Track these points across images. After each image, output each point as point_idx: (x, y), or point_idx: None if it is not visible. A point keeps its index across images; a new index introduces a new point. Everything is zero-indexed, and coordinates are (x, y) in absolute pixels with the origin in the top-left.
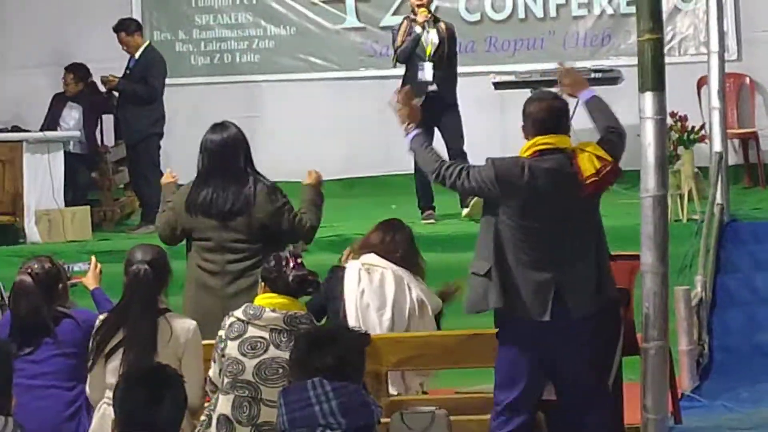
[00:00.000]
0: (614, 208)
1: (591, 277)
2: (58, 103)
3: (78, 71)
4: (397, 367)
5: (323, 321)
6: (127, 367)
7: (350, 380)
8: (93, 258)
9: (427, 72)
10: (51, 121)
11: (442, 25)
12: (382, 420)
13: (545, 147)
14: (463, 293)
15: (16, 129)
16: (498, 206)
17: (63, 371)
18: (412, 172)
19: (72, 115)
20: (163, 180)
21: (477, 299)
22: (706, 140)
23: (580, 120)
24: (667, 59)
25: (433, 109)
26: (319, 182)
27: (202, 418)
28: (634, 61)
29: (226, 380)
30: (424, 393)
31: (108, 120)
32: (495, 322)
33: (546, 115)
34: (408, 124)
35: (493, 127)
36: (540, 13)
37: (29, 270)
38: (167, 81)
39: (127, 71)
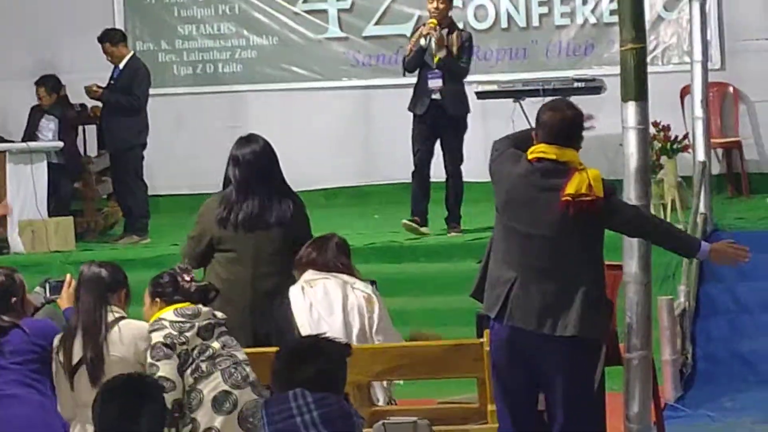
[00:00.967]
0: None
1: (558, 300)
2: (35, 114)
3: (48, 83)
4: (379, 378)
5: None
6: (88, 360)
7: (332, 391)
8: (68, 276)
9: (433, 80)
10: (29, 133)
11: (454, 35)
12: (365, 430)
13: (541, 156)
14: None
15: None
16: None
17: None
18: (394, 181)
19: (49, 127)
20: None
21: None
22: (689, 150)
23: (606, 125)
24: (650, 68)
25: (437, 120)
26: None
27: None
28: (617, 70)
29: (204, 365)
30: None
31: (91, 130)
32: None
33: (555, 125)
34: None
35: (475, 136)
36: (523, 23)
37: None
38: (150, 91)
39: (112, 81)
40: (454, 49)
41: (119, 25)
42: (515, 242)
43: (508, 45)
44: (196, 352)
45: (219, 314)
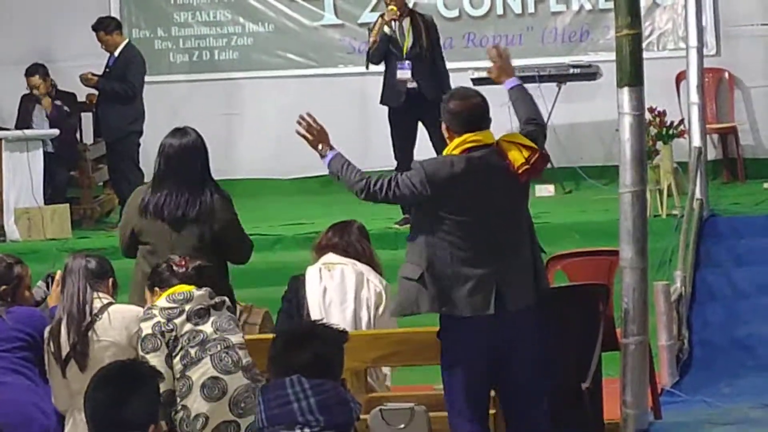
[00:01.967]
0: (593, 204)
1: (528, 269)
2: (27, 103)
3: (39, 70)
4: (376, 364)
5: None
6: (73, 347)
7: (328, 377)
8: (58, 274)
9: (404, 70)
10: (22, 122)
11: (418, 19)
12: (362, 416)
13: (474, 144)
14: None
15: None
16: (429, 209)
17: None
18: (392, 168)
19: (43, 115)
20: None
21: (407, 303)
22: (685, 135)
23: (602, 111)
24: (645, 54)
25: (416, 107)
26: None
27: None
28: (613, 56)
29: (193, 351)
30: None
31: (87, 118)
32: (440, 326)
33: (473, 113)
34: (321, 148)
35: None
36: (518, 9)
37: None
38: (146, 78)
39: (107, 69)
40: (424, 38)
41: (114, 13)
42: (478, 235)
43: (504, 31)
44: (185, 338)
45: (220, 298)
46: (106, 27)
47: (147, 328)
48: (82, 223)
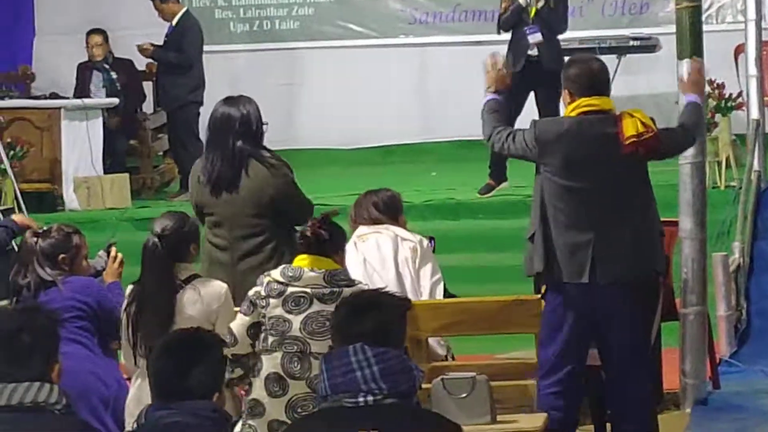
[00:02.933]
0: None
1: (631, 244)
2: (84, 72)
3: (102, 32)
4: (438, 333)
5: None
6: (141, 342)
7: (391, 345)
8: (113, 250)
9: (533, 35)
10: (80, 91)
11: None
12: (423, 386)
13: (590, 108)
14: None
15: (54, 96)
16: (540, 169)
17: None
18: (451, 139)
19: (100, 84)
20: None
21: (526, 262)
22: (743, 107)
23: (662, 83)
24: (704, 27)
25: (531, 76)
26: None
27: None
28: (673, 29)
29: (271, 339)
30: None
31: (147, 87)
32: (536, 284)
33: (590, 77)
34: (489, 87)
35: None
36: None
37: (41, 231)
38: (206, 48)
39: (166, 39)
40: (552, 2)
41: None
42: (582, 200)
43: None
44: (271, 322)
45: (338, 288)
46: None
47: (252, 291)
48: (141, 192)
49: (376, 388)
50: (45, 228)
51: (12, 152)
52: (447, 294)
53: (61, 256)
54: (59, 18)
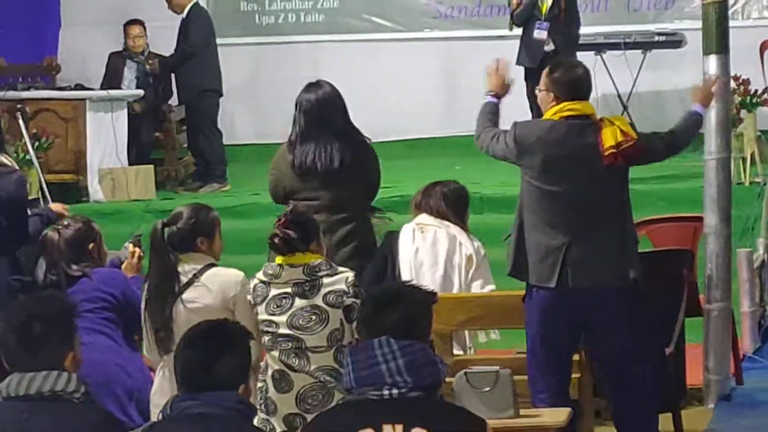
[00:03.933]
0: (678, 171)
1: (610, 251)
2: (116, 61)
3: (141, 23)
4: (463, 327)
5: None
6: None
7: (417, 339)
8: (130, 247)
9: (542, 31)
10: (111, 80)
11: None
12: (447, 379)
13: (572, 113)
14: None
15: (79, 87)
16: (521, 170)
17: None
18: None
19: (132, 75)
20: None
21: (507, 262)
22: None
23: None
24: (730, 23)
25: None
26: None
27: (259, 385)
28: (698, 24)
29: (266, 339)
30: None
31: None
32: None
33: (574, 82)
34: (489, 90)
35: None
36: None
37: (60, 227)
38: (231, 41)
39: (179, 31)
40: (562, 2)
41: None
42: (557, 205)
43: None
44: (262, 325)
45: (311, 283)
46: None
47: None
48: (166, 184)
49: (401, 381)
50: (63, 223)
51: (37, 143)
52: None
53: (90, 245)
54: (85, 9)
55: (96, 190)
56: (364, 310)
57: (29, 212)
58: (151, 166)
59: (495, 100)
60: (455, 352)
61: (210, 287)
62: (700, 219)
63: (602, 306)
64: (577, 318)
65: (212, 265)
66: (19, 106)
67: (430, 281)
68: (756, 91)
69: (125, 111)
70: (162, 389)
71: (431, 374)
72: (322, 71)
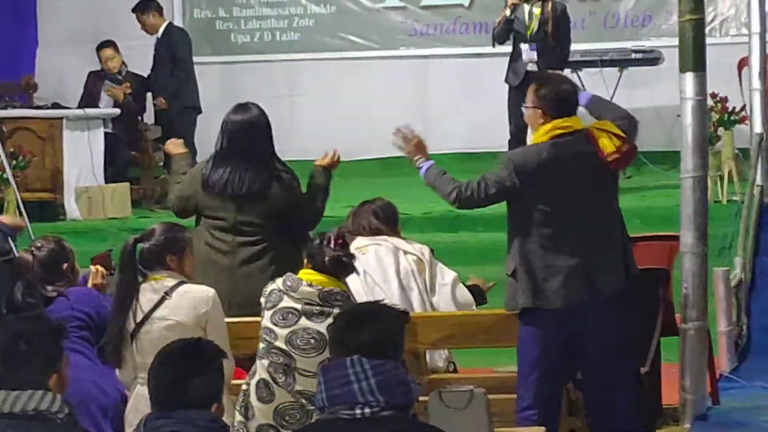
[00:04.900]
0: (654, 190)
1: (618, 257)
2: (94, 81)
3: (112, 44)
4: (436, 346)
5: None
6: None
7: (389, 358)
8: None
9: (531, 53)
10: (88, 99)
11: (548, 5)
12: (421, 398)
13: (563, 130)
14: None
15: (56, 106)
16: (521, 201)
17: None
18: (451, 151)
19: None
20: (172, 149)
21: (508, 299)
22: (747, 121)
23: (664, 96)
24: (708, 40)
25: None
26: (333, 165)
27: (243, 387)
28: (675, 41)
29: (261, 345)
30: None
31: (148, 98)
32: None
33: (562, 98)
34: (417, 159)
35: None
36: None
37: (32, 248)
38: (207, 59)
39: (155, 51)
40: (550, 25)
41: None
42: (563, 226)
43: None
44: (262, 331)
45: (322, 308)
46: (144, 8)
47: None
48: (142, 203)
49: (373, 400)
50: (36, 245)
51: (14, 162)
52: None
53: (64, 265)
54: (62, 28)
55: (73, 209)
56: (337, 328)
57: None
58: (127, 184)
59: (429, 162)
60: (439, 364)
61: (181, 304)
62: (676, 238)
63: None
64: (579, 332)
65: (183, 282)
66: None
67: (387, 296)
68: (734, 108)
69: (101, 129)
70: (136, 408)
71: (403, 393)
72: (298, 89)
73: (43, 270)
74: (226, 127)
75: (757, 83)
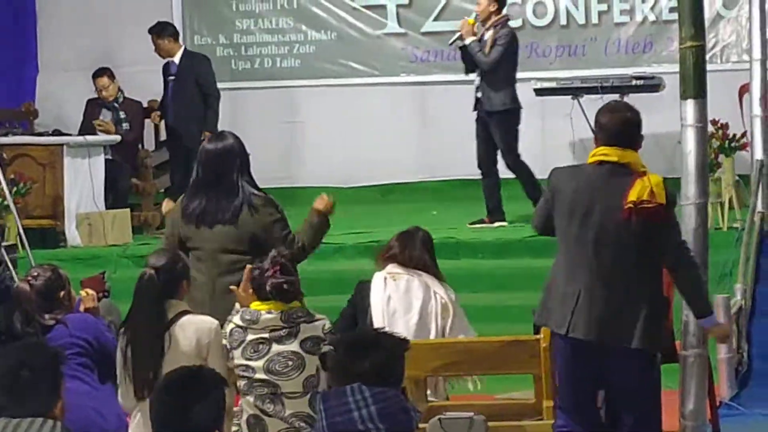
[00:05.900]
0: None
1: (630, 311)
2: (93, 108)
3: (107, 72)
4: (437, 373)
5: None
6: (132, 377)
7: (389, 385)
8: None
9: (476, 79)
10: (87, 126)
11: (491, 30)
12: (421, 425)
13: (603, 159)
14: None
15: (57, 133)
16: (555, 218)
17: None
18: (451, 178)
19: (109, 119)
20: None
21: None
22: (748, 148)
23: (664, 123)
24: (708, 66)
25: (483, 117)
26: (328, 210)
27: (234, 429)
28: (676, 68)
29: (242, 383)
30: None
31: (148, 124)
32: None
33: (613, 127)
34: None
35: (534, 133)
36: (582, 20)
37: (29, 278)
38: None
39: (171, 77)
40: (488, 47)
41: (176, 19)
42: (578, 252)
43: (567, 42)
44: (239, 369)
45: (289, 330)
46: (160, 31)
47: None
48: (143, 229)
49: (373, 428)
50: (32, 274)
51: (15, 188)
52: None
53: (61, 293)
54: (63, 55)
55: (74, 236)
56: (337, 356)
57: None
58: (128, 210)
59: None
60: (430, 399)
61: (185, 334)
62: None
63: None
64: (591, 366)
65: (186, 312)
66: None
67: (403, 329)
68: (734, 135)
69: (102, 156)
70: None
71: (403, 421)
72: (299, 116)
73: (40, 299)
74: (201, 157)
75: (758, 109)
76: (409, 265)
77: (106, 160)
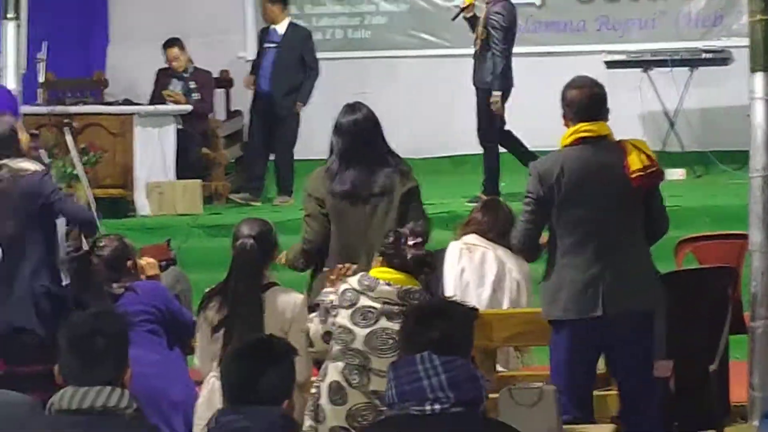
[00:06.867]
0: (723, 188)
1: (640, 275)
2: (163, 78)
3: (178, 42)
4: (506, 343)
5: None
6: (230, 342)
7: (459, 354)
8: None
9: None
10: (158, 97)
11: (484, 8)
12: (490, 395)
13: (587, 134)
14: None
15: (127, 102)
16: (549, 210)
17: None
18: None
19: (179, 89)
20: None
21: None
22: None
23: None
24: None
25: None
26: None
27: (312, 390)
28: (746, 41)
29: (336, 348)
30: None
31: (219, 94)
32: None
33: (588, 102)
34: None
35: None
36: None
37: (96, 249)
38: None
39: (272, 44)
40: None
41: None
42: (584, 233)
43: (638, 15)
44: (337, 331)
45: (401, 308)
46: None
47: (327, 298)
48: (213, 199)
49: (443, 396)
50: (99, 244)
51: (86, 158)
52: None
53: (128, 262)
54: (133, 25)
55: (143, 205)
56: (407, 325)
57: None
58: (198, 181)
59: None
60: (498, 369)
61: (270, 306)
62: (745, 236)
63: (630, 331)
64: (603, 345)
65: (273, 284)
66: (66, 120)
67: (475, 302)
68: None
69: (173, 126)
70: (209, 401)
71: (473, 390)
72: (369, 87)
73: (108, 269)
74: (340, 128)
75: None
76: (488, 237)
77: (177, 130)
